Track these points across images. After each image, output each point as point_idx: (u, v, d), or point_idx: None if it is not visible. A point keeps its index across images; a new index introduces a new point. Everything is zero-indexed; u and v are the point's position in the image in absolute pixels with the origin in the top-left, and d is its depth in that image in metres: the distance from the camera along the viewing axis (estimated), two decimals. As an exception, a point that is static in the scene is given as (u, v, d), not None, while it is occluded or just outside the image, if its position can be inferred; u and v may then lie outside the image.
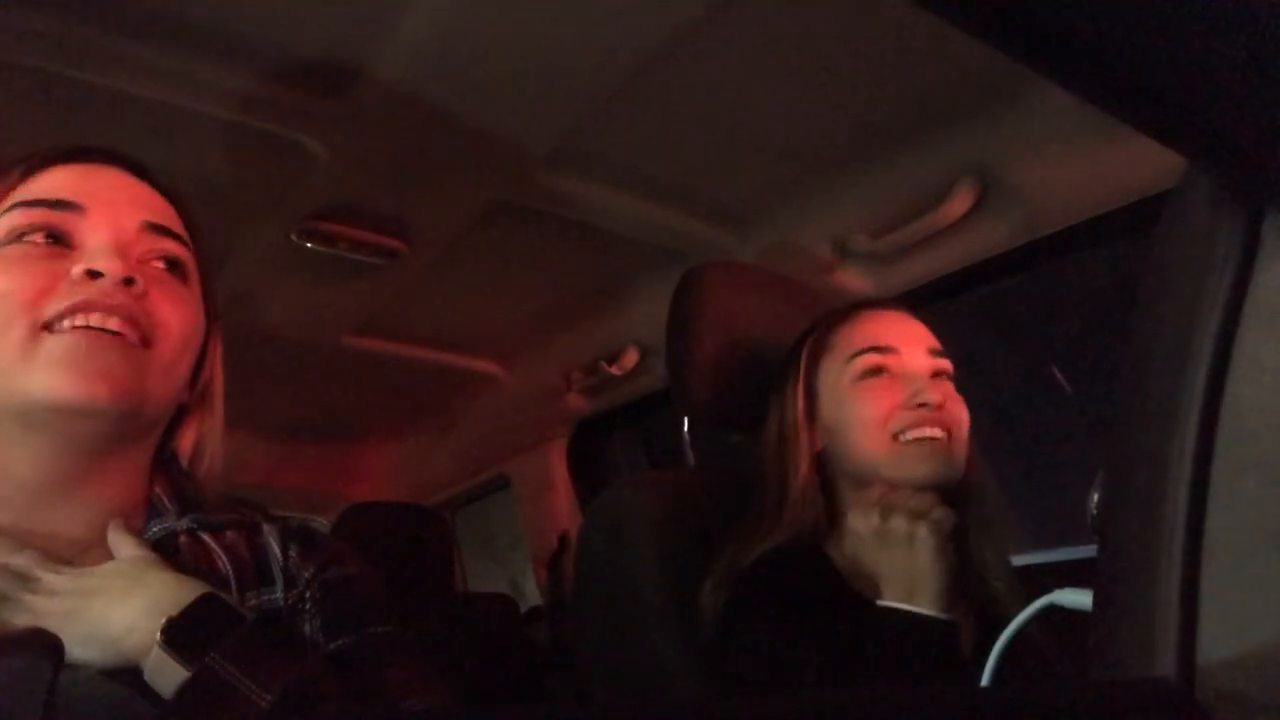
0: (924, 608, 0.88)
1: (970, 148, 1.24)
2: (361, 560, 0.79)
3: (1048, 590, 0.67)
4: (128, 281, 0.65)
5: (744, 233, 1.52)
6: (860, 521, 0.97)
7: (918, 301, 1.51)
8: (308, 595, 0.73)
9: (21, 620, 0.59)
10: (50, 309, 0.63)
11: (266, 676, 0.59)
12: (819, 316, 1.10)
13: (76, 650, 0.59)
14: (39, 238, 0.66)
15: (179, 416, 0.76)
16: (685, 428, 2.07)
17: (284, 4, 1.00)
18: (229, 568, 0.71)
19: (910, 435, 0.97)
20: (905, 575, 0.90)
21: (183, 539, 0.71)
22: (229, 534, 0.73)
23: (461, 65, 1.08)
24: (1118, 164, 1.14)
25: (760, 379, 1.13)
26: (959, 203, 1.29)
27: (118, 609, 0.60)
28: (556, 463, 2.28)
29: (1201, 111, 0.36)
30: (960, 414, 1.00)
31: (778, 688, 0.88)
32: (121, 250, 0.67)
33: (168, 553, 0.69)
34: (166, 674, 0.58)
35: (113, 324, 0.64)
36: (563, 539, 2.24)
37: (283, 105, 1.14)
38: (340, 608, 0.73)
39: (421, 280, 1.65)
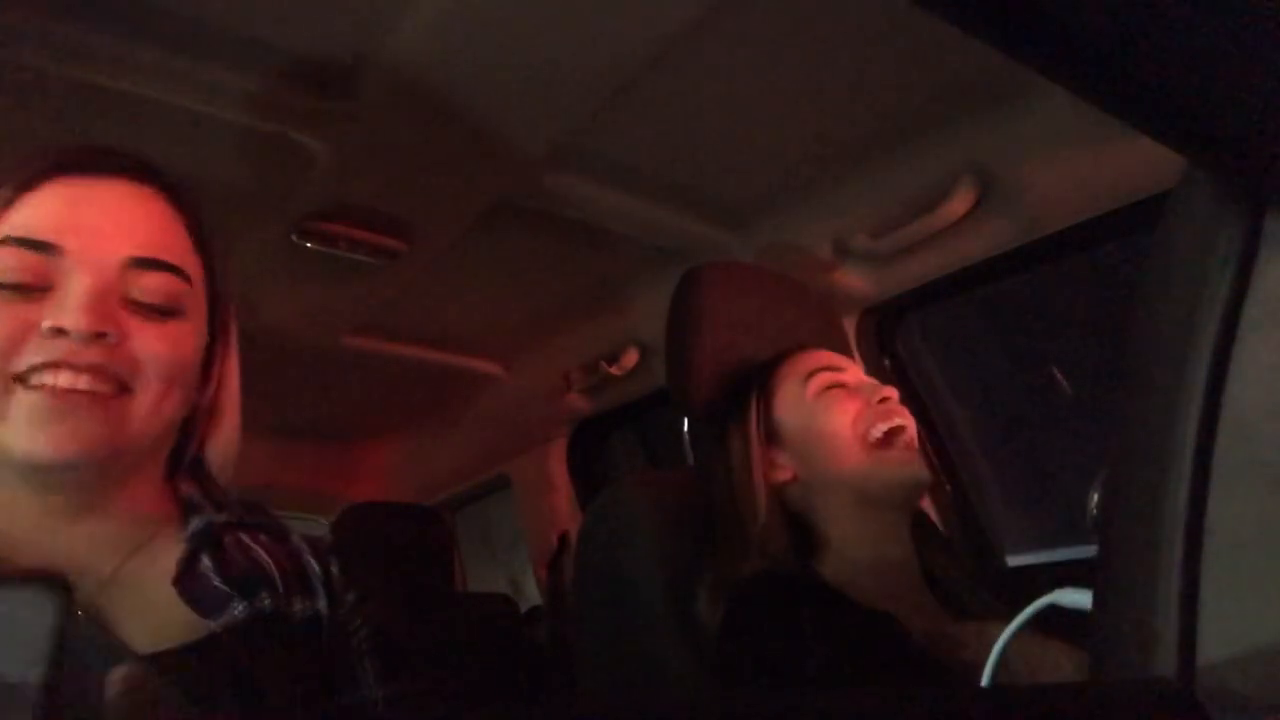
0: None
1: (970, 148, 1.24)
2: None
3: (1047, 590, 0.67)
4: (100, 335, 0.62)
5: (744, 233, 1.52)
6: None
7: (918, 301, 1.52)
8: (355, 629, 0.74)
9: None
10: (22, 362, 0.61)
11: None
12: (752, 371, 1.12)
13: None
14: (11, 283, 0.62)
15: (193, 420, 0.74)
16: (685, 428, 2.07)
17: (284, 4, 1.00)
18: (274, 570, 0.71)
19: (881, 428, 1.00)
20: None
21: (227, 538, 0.71)
22: (262, 537, 0.74)
23: (462, 65, 1.08)
24: (1118, 164, 1.14)
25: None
26: (959, 203, 1.29)
27: None
28: (556, 463, 2.28)
29: (1201, 111, 0.36)
30: (911, 420, 1.04)
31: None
32: (99, 296, 0.63)
33: (211, 548, 0.69)
34: None
35: (82, 383, 0.61)
36: (563, 539, 2.24)
37: (283, 105, 1.14)
38: (389, 654, 0.74)
39: (421, 280, 1.65)
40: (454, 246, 1.53)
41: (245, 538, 0.73)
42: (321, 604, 0.73)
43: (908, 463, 1.00)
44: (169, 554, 0.68)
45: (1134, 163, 1.11)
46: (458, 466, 2.57)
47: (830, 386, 1.05)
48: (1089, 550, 0.79)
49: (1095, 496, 1.01)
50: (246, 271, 1.55)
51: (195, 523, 0.71)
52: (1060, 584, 0.69)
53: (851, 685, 0.85)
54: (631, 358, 1.86)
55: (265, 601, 0.68)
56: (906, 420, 1.02)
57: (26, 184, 0.66)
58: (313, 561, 0.75)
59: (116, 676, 0.56)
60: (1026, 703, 0.41)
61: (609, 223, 1.48)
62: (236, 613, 0.66)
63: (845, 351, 1.21)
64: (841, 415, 1.02)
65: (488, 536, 2.89)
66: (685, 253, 1.52)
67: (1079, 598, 0.63)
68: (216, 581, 0.68)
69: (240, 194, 1.33)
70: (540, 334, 1.95)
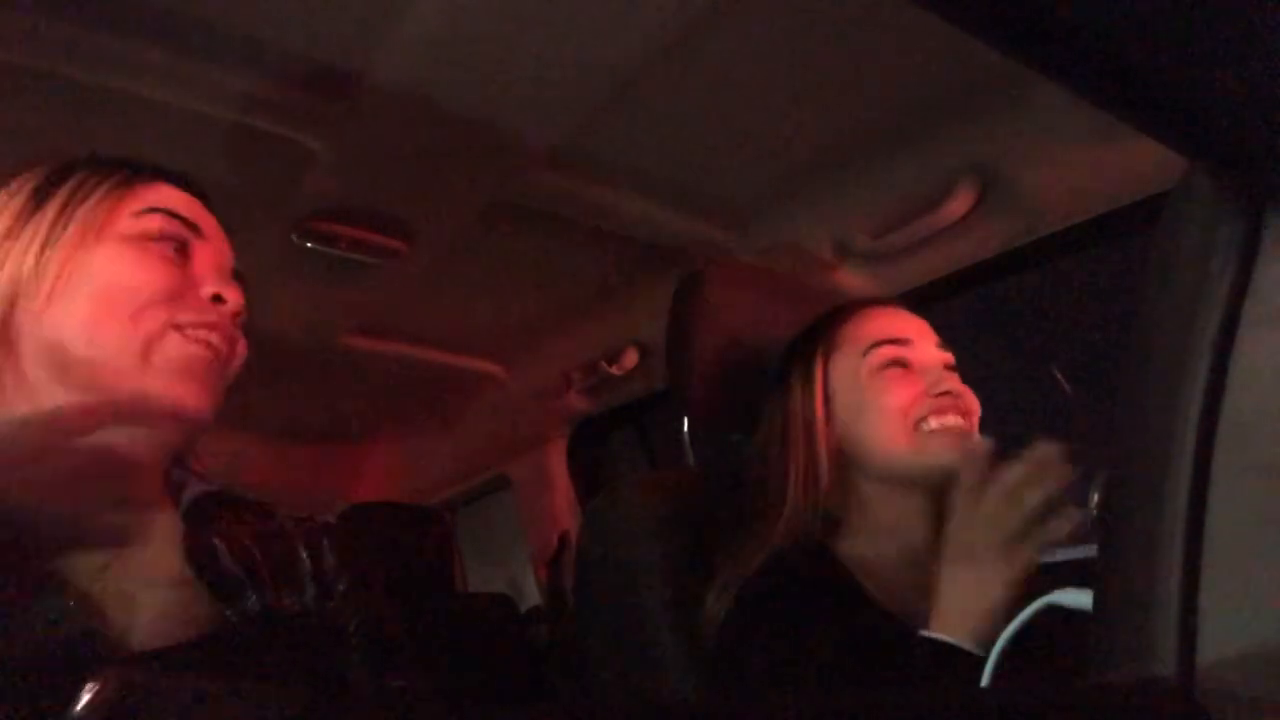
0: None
1: (970, 148, 1.24)
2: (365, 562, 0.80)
3: (1048, 590, 0.67)
4: (237, 315, 0.71)
5: (744, 233, 1.52)
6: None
7: (918, 301, 1.52)
8: (347, 621, 0.74)
9: None
10: (183, 316, 0.67)
11: None
12: (820, 315, 1.10)
13: None
14: (169, 246, 0.70)
15: None
16: (685, 428, 2.07)
17: (285, 5, 1.00)
18: (265, 563, 0.72)
19: (933, 424, 0.97)
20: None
21: (223, 524, 0.72)
22: (255, 527, 0.74)
23: (462, 65, 1.08)
24: (1118, 164, 1.14)
25: (761, 379, 1.13)
26: (959, 203, 1.29)
27: None
28: (556, 463, 2.28)
29: (1201, 111, 0.36)
30: (975, 404, 1.00)
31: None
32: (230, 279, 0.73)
33: (208, 522, 0.71)
34: None
35: (224, 346, 0.70)
36: (563, 539, 2.24)
37: (283, 105, 1.14)
38: (382, 647, 0.74)
39: (421, 280, 1.65)
40: (454, 246, 1.53)
41: (238, 528, 0.73)
42: (310, 595, 0.73)
43: (951, 449, 0.95)
44: (165, 542, 0.68)
45: (1134, 163, 1.11)
46: (458, 466, 2.57)
47: (890, 364, 1.00)
48: (1089, 550, 0.79)
49: (1095, 496, 1.01)
50: (246, 271, 1.54)
51: (188, 496, 0.73)
52: (1060, 584, 0.69)
53: (855, 685, 0.85)
54: (631, 358, 1.86)
55: (257, 596, 0.69)
56: (965, 417, 0.97)
57: (154, 176, 0.73)
58: (303, 552, 0.75)
59: (110, 673, 0.55)
60: (1026, 703, 0.41)
61: (609, 223, 1.48)
62: (231, 608, 0.67)
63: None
64: (895, 400, 0.97)
65: (488, 536, 2.89)
66: (685, 253, 1.52)
67: (1079, 598, 0.63)
68: (219, 565, 0.68)
69: (240, 194, 1.33)
70: (540, 334, 1.95)
